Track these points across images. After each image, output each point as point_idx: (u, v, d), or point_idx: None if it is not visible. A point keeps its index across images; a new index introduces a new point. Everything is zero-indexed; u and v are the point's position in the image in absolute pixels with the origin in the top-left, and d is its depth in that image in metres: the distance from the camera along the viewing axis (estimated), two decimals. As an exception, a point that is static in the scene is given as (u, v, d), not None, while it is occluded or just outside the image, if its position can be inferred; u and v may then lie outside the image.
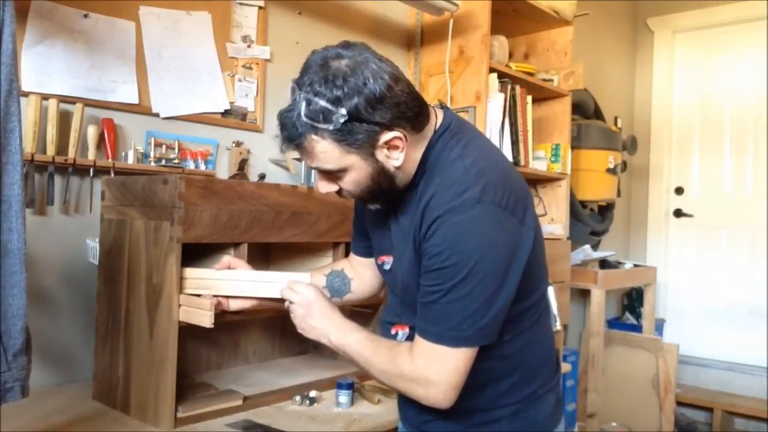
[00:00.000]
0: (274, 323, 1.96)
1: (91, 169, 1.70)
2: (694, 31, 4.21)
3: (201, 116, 1.97)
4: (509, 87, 2.52)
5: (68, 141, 1.65)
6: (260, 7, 2.13)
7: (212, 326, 1.31)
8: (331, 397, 1.62)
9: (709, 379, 3.96)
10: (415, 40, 2.66)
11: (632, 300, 4.06)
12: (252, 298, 1.34)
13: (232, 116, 2.06)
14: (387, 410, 1.56)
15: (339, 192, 1.14)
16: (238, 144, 2.07)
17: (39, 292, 1.63)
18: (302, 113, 1.01)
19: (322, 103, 1.00)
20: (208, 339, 1.79)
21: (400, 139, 1.05)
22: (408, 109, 1.05)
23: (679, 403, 3.68)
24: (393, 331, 1.22)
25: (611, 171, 3.35)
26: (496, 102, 2.46)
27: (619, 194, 3.55)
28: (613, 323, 3.95)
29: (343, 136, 1.02)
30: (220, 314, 1.36)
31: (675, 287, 4.22)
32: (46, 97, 1.61)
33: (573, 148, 3.02)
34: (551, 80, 2.81)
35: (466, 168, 1.06)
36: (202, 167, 1.94)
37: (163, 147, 1.87)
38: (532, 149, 2.69)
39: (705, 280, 4.10)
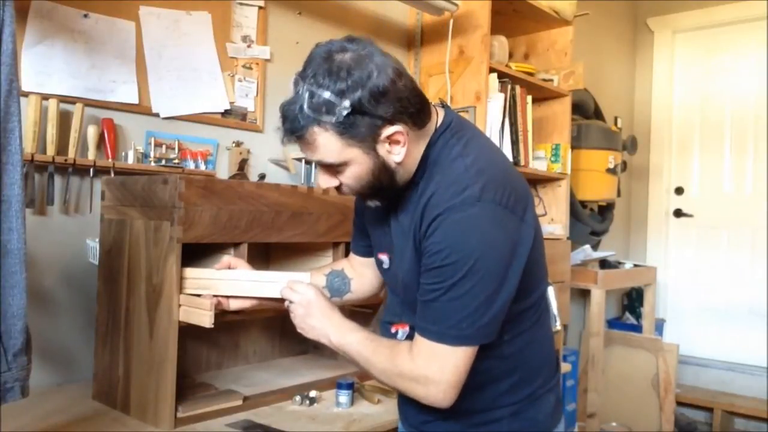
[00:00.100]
0: (274, 323, 1.96)
1: (91, 169, 1.70)
2: (694, 31, 4.21)
3: (201, 116, 1.97)
4: (509, 87, 2.52)
5: (68, 141, 1.65)
6: (260, 7, 2.13)
7: (212, 326, 1.31)
8: (331, 397, 1.62)
9: (709, 379, 3.96)
10: (415, 40, 2.66)
11: (632, 300, 4.06)
12: (252, 298, 1.34)
13: (232, 116, 2.06)
14: (387, 410, 1.56)
15: (339, 188, 1.13)
16: (238, 144, 2.07)
17: (39, 292, 1.63)
18: (305, 105, 1.01)
19: (326, 95, 1.00)
20: (208, 339, 1.79)
21: (401, 134, 1.05)
22: (410, 105, 1.05)
23: (679, 403, 3.68)
24: (393, 330, 1.22)
25: (611, 171, 3.35)
26: (496, 102, 2.46)
27: (619, 194, 3.55)
28: (613, 323, 3.95)
29: (346, 128, 1.02)
30: (220, 314, 1.36)
31: (675, 287, 4.22)
32: (46, 97, 1.61)
33: (573, 148, 3.02)
34: (551, 80, 2.81)
35: (467, 166, 1.06)
36: (202, 167, 1.94)
37: (163, 147, 1.87)
38: (532, 149, 2.69)
39: (705, 280, 4.10)
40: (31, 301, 1.19)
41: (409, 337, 1.15)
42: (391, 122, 1.03)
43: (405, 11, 2.66)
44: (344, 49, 1.03)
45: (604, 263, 3.49)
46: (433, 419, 1.17)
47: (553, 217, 2.89)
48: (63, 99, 1.65)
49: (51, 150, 1.61)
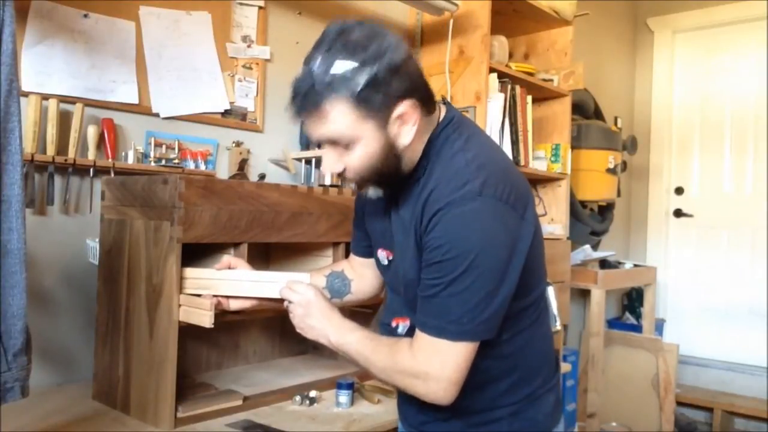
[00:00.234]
0: (274, 323, 1.97)
1: (91, 169, 1.71)
2: (694, 31, 4.21)
3: (201, 116, 1.97)
4: (509, 87, 2.52)
5: (68, 141, 1.65)
6: (260, 7, 2.13)
7: (212, 326, 1.31)
8: (331, 397, 1.62)
9: (709, 379, 3.96)
10: (415, 40, 2.66)
11: (632, 300, 4.06)
12: (252, 298, 1.34)
13: (232, 116, 2.06)
14: (387, 410, 1.56)
15: (342, 174, 1.11)
16: (238, 144, 2.07)
17: (39, 292, 1.63)
18: (321, 77, 1.00)
19: (343, 66, 1.00)
20: (208, 339, 1.79)
21: (413, 110, 1.05)
22: (422, 85, 1.07)
23: (679, 403, 3.68)
24: (394, 324, 1.22)
25: (611, 171, 3.35)
26: (496, 102, 2.46)
27: (619, 194, 3.55)
28: (613, 323, 3.95)
29: (360, 101, 1.01)
30: (220, 314, 1.36)
31: (675, 287, 4.22)
32: (46, 97, 1.61)
33: (573, 148, 3.02)
34: (551, 80, 2.81)
35: (468, 161, 1.06)
36: (202, 167, 1.94)
37: (163, 147, 1.87)
38: (532, 149, 2.69)
39: (705, 280, 4.10)
40: (31, 301, 1.19)
41: (410, 330, 1.15)
42: (404, 99, 1.04)
43: (405, 11, 2.66)
44: (358, 24, 1.04)
45: (604, 263, 3.49)
46: (432, 419, 1.17)
47: (553, 217, 2.89)
48: (63, 99, 1.65)
49: (51, 150, 1.61)
